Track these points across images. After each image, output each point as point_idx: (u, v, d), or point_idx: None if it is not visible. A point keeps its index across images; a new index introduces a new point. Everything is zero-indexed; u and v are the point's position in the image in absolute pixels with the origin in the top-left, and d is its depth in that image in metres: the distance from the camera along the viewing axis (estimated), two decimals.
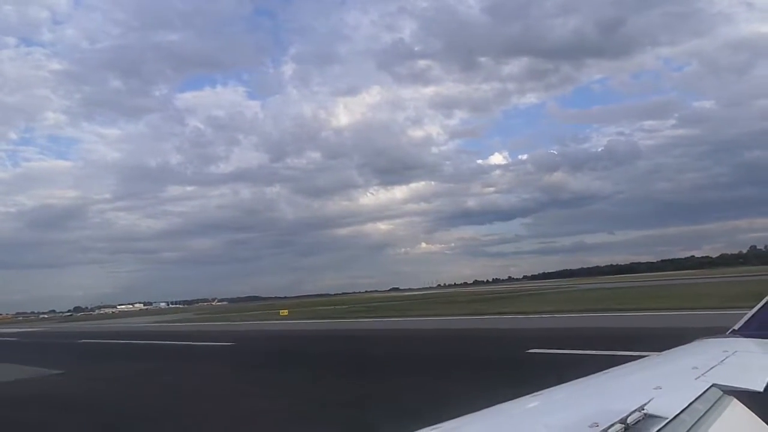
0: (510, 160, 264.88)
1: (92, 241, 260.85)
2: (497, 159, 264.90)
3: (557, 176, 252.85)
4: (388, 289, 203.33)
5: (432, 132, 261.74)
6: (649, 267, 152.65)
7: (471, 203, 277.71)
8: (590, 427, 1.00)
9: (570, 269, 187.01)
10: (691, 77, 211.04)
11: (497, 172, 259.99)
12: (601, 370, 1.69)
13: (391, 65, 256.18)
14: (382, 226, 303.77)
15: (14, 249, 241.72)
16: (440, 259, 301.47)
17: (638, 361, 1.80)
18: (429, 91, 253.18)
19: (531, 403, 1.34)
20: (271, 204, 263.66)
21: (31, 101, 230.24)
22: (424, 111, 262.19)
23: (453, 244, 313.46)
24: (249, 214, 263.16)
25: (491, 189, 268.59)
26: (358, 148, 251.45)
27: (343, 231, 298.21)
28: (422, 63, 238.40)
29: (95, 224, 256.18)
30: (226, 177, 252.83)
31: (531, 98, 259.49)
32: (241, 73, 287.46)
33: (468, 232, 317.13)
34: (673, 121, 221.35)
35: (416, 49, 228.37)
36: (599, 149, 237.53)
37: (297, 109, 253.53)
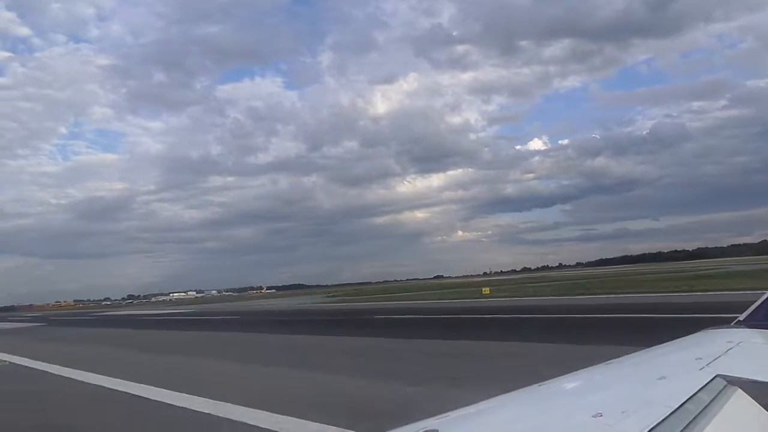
0: (550, 145, 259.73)
1: (138, 231, 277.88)
2: (537, 145, 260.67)
3: (599, 161, 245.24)
4: (432, 276, 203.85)
5: (470, 118, 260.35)
6: (721, 252, 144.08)
7: (509, 190, 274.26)
8: (593, 416, 1.02)
9: (631, 255, 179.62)
10: (745, 54, 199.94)
11: (537, 158, 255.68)
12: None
13: (428, 51, 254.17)
14: (419, 214, 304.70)
15: (66, 240, 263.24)
16: (477, 247, 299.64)
17: (642, 351, 1.82)
18: (467, 76, 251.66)
19: (534, 393, 1.35)
20: (308, 193, 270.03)
21: (80, 96, 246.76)
22: (462, 97, 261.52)
23: (490, 232, 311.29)
24: (287, 204, 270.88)
25: (530, 175, 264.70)
26: (396, 136, 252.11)
27: (380, 219, 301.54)
28: (460, 48, 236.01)
29: (140, 215, 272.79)
30: (265, 167, 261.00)
31: (573, 81, 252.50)
32: (279, 64, 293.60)
33: (506, 219, 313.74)
34: (724, 102, 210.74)
35: (454, 33, 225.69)
36: (644, 132, 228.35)
37: (334, 98, 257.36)
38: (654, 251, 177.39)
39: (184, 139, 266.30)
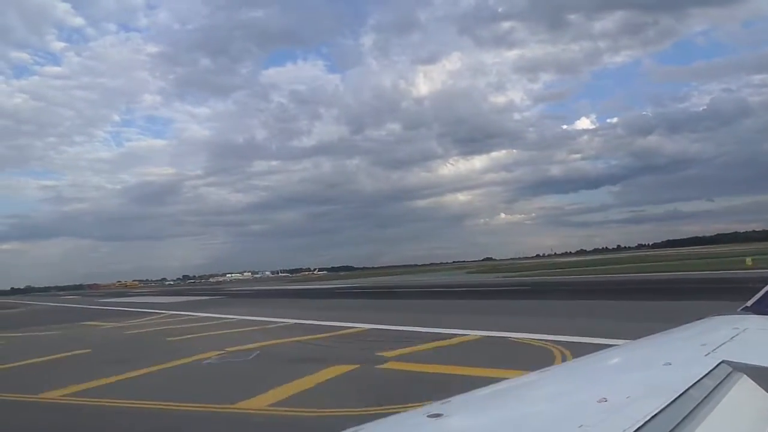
0: (598, 124, 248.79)
1: (186, 214, 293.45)
2: (584, 123, 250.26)
3: (651, 140, 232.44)
4: (481, 258, 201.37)
5: (515, 97, 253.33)
6: None
7: (555, 171, 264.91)
8: (598, 402, 1.03)
9: (702, 236, 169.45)
10: None
11: (584, 137, 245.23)
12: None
13: (472, 29, 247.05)
14: (461, 196, 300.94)
15: (120, 222, 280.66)
16: (521, 230, 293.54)
17: (647, 337, 1.86)
18: (512, 54, 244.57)
19: (539, 378, 1.38)
20: (351, 176, 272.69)
21: (131, 84, 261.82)
22: (506, 76, 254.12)
23: (534, 214, 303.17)
24: (330, 187, 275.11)
25: (577, 155, 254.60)
26: (438, 118, 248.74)
27: (422, 202, 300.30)
28: (506, 25, 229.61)
29: (189, 199, 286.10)
30: (308, 151, 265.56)
31: (624, 56, 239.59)
32: (321, 47, 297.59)
33: (551, 201, 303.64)
34: None
35: (500, 10, 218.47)
36: (701, 108, 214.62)
37: (376, 80, 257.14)
38: (711, 233, 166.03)
39: (230, 124, 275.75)
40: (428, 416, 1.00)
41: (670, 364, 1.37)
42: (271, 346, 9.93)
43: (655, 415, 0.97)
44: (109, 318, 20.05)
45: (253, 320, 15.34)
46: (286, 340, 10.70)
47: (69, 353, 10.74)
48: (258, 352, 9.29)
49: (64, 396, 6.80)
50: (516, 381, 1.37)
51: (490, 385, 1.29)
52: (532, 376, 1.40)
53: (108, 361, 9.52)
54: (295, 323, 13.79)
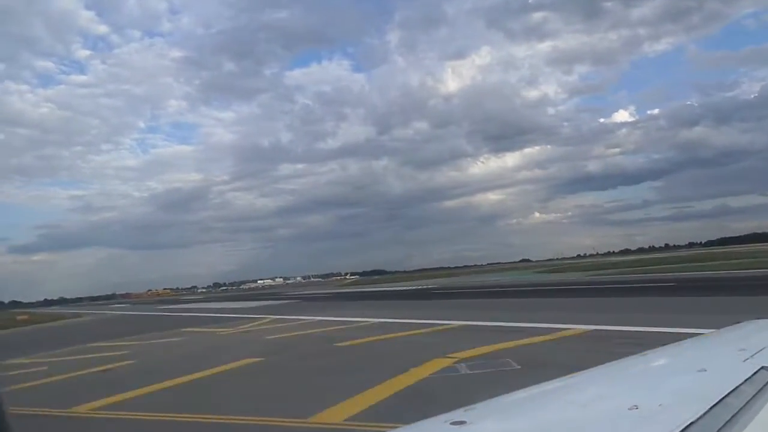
0: (638, 116, 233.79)
1: (213, 221, 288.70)
2: (623, 116, 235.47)
3: (696, 131, 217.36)
4: (518, 260, 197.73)
5: (548, 91, 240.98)
6: None
7: (592, 167, 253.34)
8: (630, 409, 1.02)
9: (762, 233, 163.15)
10: None
11: (623, 130, 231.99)
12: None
13: (502, 21, 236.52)
14: (493, 196, 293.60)
15: (148, 231, 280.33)
16: (556, 229, 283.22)
17: (681, 342, 1.86)
18: (545, 46, 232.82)
19: (565, 384, 1.37)
20: (378, 178, 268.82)
21: (156, 90, 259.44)
22: (539, 69, 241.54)
23: (570, 213, 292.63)
24: (357, 189, 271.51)
25: (616, 150, 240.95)
26: (468, 115, 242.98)
27: (452, 203, 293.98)
28: (537, 15, 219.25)
29: (215, 205, 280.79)
30: (334, 152, 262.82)
31: (666, 43, 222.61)
32: (347, 47, 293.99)
33: (588, 198, 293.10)
34: None
35: (530, 0, 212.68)
36: (751, 96, 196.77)
37: (403, 78, 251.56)
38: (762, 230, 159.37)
39: (255, 127, 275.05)
40: (451, 423, 1.01)
41: (705, 370, 1.34)
42: (504, 351, 8.06)
43: (690, 423, 0.96)
44: (210, 324, 18.60)
45: (391, 323, 13.73)
46: (502, 345, 8.80)
47: (239, 362, 9.07)
48: (505, 359, 7.42)
49: (349, 423, 5.01)
50: (542, 387, 1.34)
51: (516, 392, 1.28)
52: (560, 382, 1.39)
53: (311, 371, 7.83)
54: (456, 324, 11.97)
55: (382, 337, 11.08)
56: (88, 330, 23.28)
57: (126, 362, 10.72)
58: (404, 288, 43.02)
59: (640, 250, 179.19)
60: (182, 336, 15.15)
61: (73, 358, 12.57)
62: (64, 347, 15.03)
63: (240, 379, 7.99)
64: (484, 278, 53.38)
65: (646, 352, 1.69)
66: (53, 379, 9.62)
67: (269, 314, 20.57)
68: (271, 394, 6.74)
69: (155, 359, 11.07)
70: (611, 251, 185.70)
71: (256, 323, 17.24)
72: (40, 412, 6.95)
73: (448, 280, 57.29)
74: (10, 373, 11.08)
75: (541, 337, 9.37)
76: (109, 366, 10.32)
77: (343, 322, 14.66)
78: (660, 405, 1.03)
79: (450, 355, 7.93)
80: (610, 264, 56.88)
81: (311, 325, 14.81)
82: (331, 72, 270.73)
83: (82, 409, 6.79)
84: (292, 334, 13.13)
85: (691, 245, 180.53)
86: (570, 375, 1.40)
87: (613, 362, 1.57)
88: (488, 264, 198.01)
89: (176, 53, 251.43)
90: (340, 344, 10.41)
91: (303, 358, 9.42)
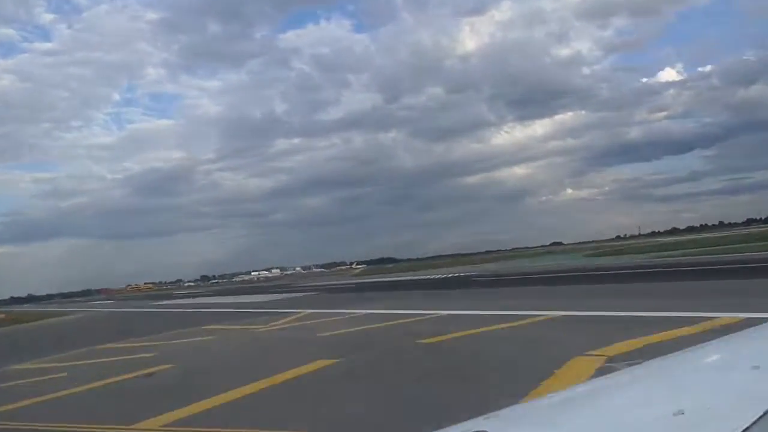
0: (686, 74, 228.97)
1: (199, 205, 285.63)
2: (669, 75, 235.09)
3: (755, 90, 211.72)
4: (549, 243, 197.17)
5: (581, 48, 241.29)
6: None
7: (633, 134, 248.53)
8: (674, 415, 1.01)
9: None
10: None
11: (669, 91, 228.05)
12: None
13: None
14: (519, 170, 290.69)
15: (126, 218, 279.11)
16: (592, 207, 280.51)
17: (729, 336, 1.85)
18: None
19: (601, 386, 1.44)
20: (387, 152, 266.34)
21: (131, 57, 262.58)
22: (570, 23, 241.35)
23: (607, 188, 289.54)
24: (363, 166, 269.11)
25: (661, 114, 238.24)
26: (489, 78, 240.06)
27: (472, 179, 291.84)
28: None
29: (201, 187, 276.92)
30: (335, 124, 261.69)
31: None
32: (346, 4, 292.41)
33: (628, 171, 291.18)
34: None
35: None
36: None
37: (413, 37, 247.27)
38: None
39: (245, 98, 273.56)
40: None
41: (758, 367, 1.28)
42: (656, 346, 7.42)
43: (745, 430, 0.93)
44: (233, 321, 18.19)
45: (463, 315, 13.33)
46: (642, 339, 8.16)
47: (313, 364, 8.53)
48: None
49: None
50: (576, 390, 1.41)
51: (545, 396, 1.39)
52: (595, 384, 1.47)
53: (416, 376, 7.28)
54: (551, 315, 11.39)
55: (472, 331, 10.50)
56: (87, 329, 23.16)
57: (164, 366, 10.25)
58: (434, 276, 42.67)
59: (690, 229, 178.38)
60: (211, 334, 14.71)
61: (91, 361, 12.17)
62: (70, 350, 14.66)
63: (335, 386, 7.46)
64: (520, 264, 53.06)
65: (690, 348, 1.67)
66: (84, 387, 9.14)
67: (298, 308, 20.13)
68: (393, 403, 6.18)
69: (199, 362, 10.60)
70: (656, 231, 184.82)
71: (291, 318, 16.78)
72: (96, 430, 6.43)
73: (478, 267, 56.99)
74: (21, 381, 10.69)
75: (686, 329, 8.72)
76: (150, 370, 9.81)
77: (402, 315, 14.13)
78: (708, 409, 1.04)
79: (591, 353, 7.32)
80: (670, 244, 56.23)
81: (365, 320, 14.32)
82: (330, 33, 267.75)
83: (152, 425, 6.24)
84: (350, 329, 12.61)
85: (749, 222, 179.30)
86: (613, 373, 1.36)
87: (654, 360, 1.55)
88: (514, 249, 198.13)
89: (152, 15, 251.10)
90: (426, 341, 9.86)
91: (391, 358, 8.91)
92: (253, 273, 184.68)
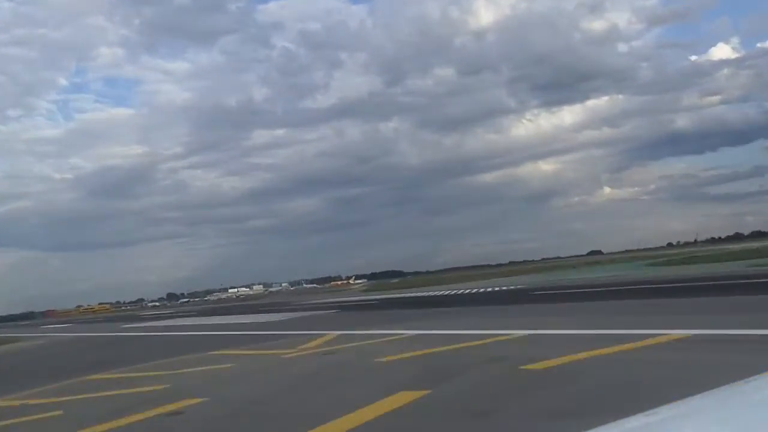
0: (744, 51, 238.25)
1: (164, 209, 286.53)
2: (723, 51, 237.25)
3: None
4: (585, 252, 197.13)
5: (618, 21, 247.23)
6: None
7: (682, 123, 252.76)
8: None
9: None
10: None
11: (724, 71, 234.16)
12: None
13: None
14: (545, 166, 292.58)
15: (76, 226, 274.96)
16: (634, 209, 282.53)
17: None
18: None
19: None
20: (388, 145, 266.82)
21: (81, 34, 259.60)
22: None
23: (653, 186, 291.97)
24: (359, 162, 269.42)
25: (715, 98, 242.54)
26: (508, 57, 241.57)
27: (489, 177, 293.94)
28: None
29: (166, 188, 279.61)
30: (326, 113, 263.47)
31: None
32: None
33: (677, 166, 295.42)
34: None
35: None
36: None
37: (418, 9, 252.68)
38: None
39: (218, 82, 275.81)
40: None
41: None
42: None
43: None
44: (248, 345, 17.68)
45: (549, 335, 13.02)
46: None
47: (392, 397, 7.90)
48: None
49: None
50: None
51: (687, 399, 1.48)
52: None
53: (551, 413, 6.65)
54: (677, 334, 10.84)
55: (583, 355, 9.87)
56: (58, 357, 22.62)
57: (190, 400, 9.59)
58: (472, 291, 42.58)
59: (758, 235, 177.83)
60: (229, 361, 14.12)
61: (89, 396, 11.50)
62: (53, 382, 14.00)
63: (446, 426, 6.81)
64: (571, 275, 52.66)
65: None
66: (97, 431, 8.49)
67: (322, 330, 19.58)
68: None
69: (235, 394, 9.95)
70: (715, 237, 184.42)
71: (321, 341, 16.21)
72: None
73: (512, 279, 56.67)
74: (7, 422, 10.05)
75: None
76: (174, 406, 9.20)
77: (468, 337, 13.56)
78: None
79: None
80: (746, 252, 55.68)
81: (420, 342, 13.75)
82: (321, 4, 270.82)
83: None
84: (412, 353, 11.98)
85: None
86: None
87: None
88: (544, 259, 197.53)
89: None
90: (530, 367, 9.24)
91: (498, 389, 8.24)
92: (230, 290, 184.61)
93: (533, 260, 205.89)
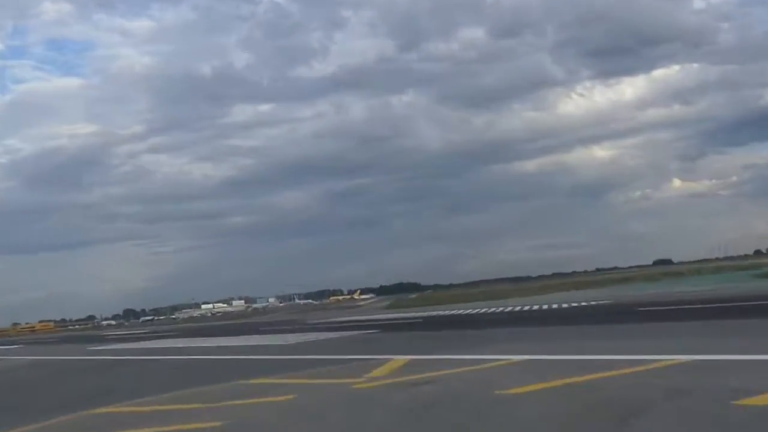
0: None
1: (119, 202, 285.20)
2: None
3: None
4: (650, 262, 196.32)
5: None
6: None
7: None
8: None
9: None
10: None
11: None
12: None
13: None
14: (600, 151, 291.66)
15: (8, 222, 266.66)
16: (710, 207, 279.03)
17: None
18: None
19: None
20: (400, 124, 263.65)
21: None
22: None
23: (736, 178, 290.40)
24: (364, 145, 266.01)
25: None
26: (553, 15, 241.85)
27: (528, 165, 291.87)
28: None
29: (122, 175, 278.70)
30: (324, 84, 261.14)
31: None
32: None
33: (765, 153, 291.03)
34: None
35: None
36: None
37: None
38: None
39: (189, 45, 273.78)
40: None
41: None
42: None
43: None
44: (286, 372, 16.94)
45: (715, 361, 12.28)
46: None
47: None
48: None
49: None
50: None
51: None
52: None
53: None
54: None
55: None
56: (37, 386, 22.09)
57: None
58: (542, 307, 42.94)
59: None
60: (284, 392, 13.29)
61: None
62: (44, 418, 13.06)
63: None
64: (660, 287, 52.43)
65: None
66: None
67: (379, 354, 18.85)
68: None
69: None
70: None
71: (389, 368, 15.36)
72: None
73: (581, 294, 56.69)
74: None
75: None
76: None
77: (607, 363, 12.73)
78: None
79: None
80: None
81: (542, 368, 13.26)
82: None
83: None
84: (544, 385, 11.14)
85: None
86: None
87: None
88: (598, 269, 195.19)
89: None
90: (745, 402, 8.44)
91: None
92: (204, 306, 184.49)
93: (585, 270, 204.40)
